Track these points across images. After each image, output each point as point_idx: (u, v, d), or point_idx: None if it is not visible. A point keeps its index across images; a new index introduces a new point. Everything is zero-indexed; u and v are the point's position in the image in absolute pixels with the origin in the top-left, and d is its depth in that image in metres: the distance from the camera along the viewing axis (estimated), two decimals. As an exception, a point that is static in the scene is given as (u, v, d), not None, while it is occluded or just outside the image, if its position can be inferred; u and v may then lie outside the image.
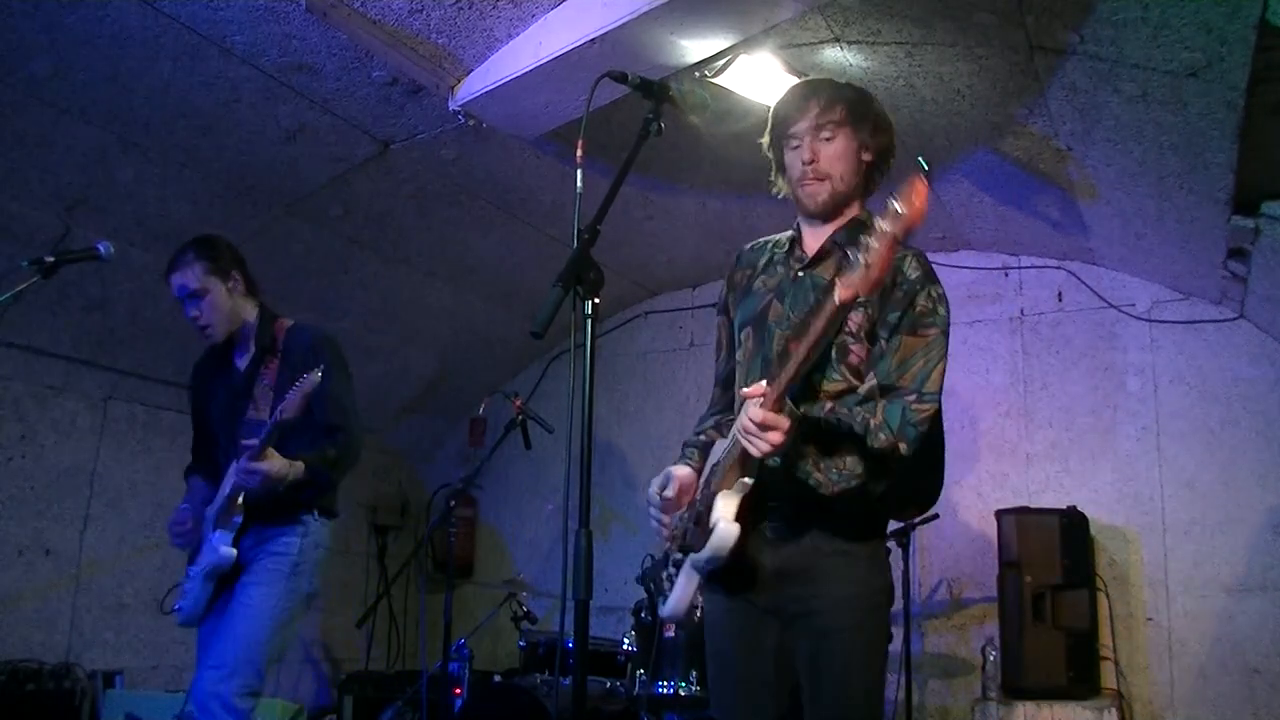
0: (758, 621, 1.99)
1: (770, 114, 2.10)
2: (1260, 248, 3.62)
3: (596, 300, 1.65)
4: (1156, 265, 4.39)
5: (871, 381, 1.93)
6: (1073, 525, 4.14)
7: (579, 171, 1.69)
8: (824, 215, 2.04)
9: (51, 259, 2.65)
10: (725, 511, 1.89)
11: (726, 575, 1.96)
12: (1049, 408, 4.69)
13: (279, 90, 3.45)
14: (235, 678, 2.70)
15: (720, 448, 2.02)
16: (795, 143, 2.01)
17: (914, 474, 2.08)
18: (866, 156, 2.04)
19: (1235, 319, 4.34)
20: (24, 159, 3.56)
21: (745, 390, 1.86)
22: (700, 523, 1.96)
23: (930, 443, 1.98)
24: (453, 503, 4.00)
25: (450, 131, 3.76)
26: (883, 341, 1.94)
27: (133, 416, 4.67)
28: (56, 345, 4.25)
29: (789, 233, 2.14)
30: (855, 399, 1.92)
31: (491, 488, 5.96)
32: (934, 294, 1.96)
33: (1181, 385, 4.42)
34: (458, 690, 4.16)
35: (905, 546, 4.27)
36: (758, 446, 1.79)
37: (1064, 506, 4.24)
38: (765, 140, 2.12)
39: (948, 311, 1.97)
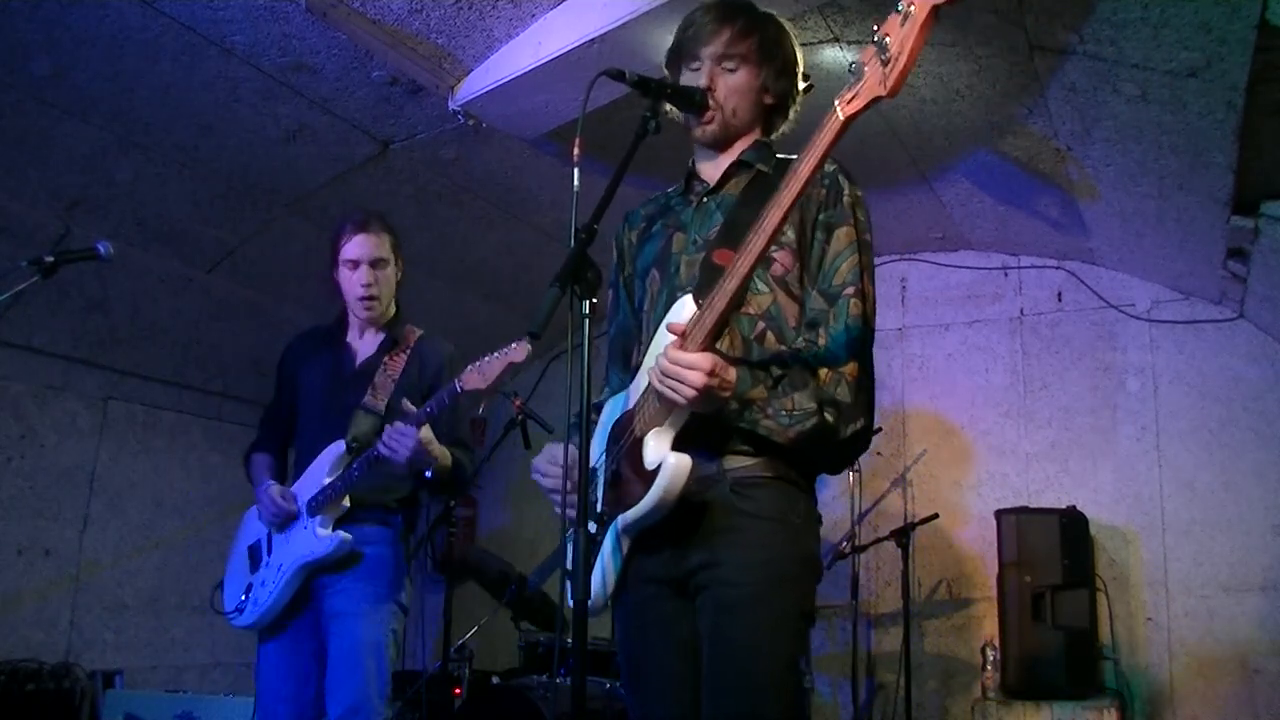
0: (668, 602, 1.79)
1: (679, 27, 1.95)
2: (1260, 248, 3.62)
3: (594, 300, 1.63)
4: (1156, 265, 4.39)
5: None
6: (1072, 525, 4.14)
7: (576, 171, 1.68)
8: (715, 145, 1.92)
9: (51, 259, 2.62)
10: (661, 448, 1.64)
11: (654, 537, 1.71)
12: (1049, 408, 4.69)
13: (279, 90, 3.45)
14: (376, 713, 2.61)
15: (634, 389, 1.80)
16: (696, 65, 1.88)
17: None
18: (767, 99, 1.91)
19: (1235, 319, 4.34)
20: (24, 159, 3.56)
21: (669, 321, 1.65)
22: (621, 483, 1.74)
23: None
24: (453, 503, 3.99)
25: (450, 131, 3.76)
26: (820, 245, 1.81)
27: (132, 416, 4.67)
28: (56, 345, 4.25)
29: (680, 183, 2.02)
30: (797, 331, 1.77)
31: (491, 488, 5.96)
32: (856, 191, 1.84)
33: (1181, 385, 4.42)
34: (457, 690, 4.15)
35: (905, 546, 4.27)
36: (679, 393, 1.56)
37: (1064, 506, 4.25)
38: (668, 55, 1.97)
39: (868, 217, 1.84)
